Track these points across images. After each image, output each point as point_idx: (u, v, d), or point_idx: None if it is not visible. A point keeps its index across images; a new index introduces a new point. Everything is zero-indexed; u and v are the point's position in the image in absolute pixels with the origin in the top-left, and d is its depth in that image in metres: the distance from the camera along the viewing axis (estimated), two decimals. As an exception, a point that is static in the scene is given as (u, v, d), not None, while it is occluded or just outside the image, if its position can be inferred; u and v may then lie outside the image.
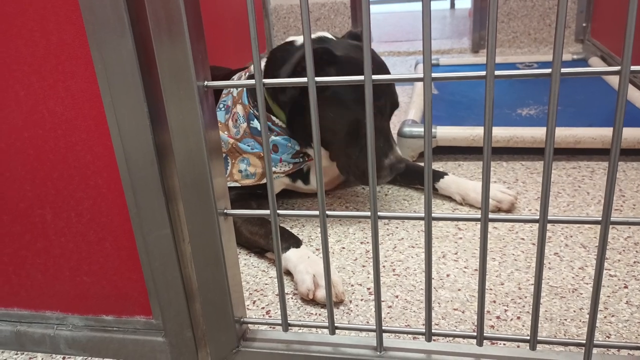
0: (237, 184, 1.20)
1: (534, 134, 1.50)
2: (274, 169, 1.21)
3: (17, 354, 0.91)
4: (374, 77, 0.58)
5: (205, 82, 0.64)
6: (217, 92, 1.28)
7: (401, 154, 1.23)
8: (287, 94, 1.15)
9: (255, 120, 1.20)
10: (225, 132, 1.22)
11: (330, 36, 1.23)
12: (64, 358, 0.89)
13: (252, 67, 1.30)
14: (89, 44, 0.65)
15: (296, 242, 1.07)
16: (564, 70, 0.54)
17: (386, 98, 1.19)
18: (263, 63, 1.29)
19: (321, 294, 0.96)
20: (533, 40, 2.94)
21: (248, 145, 1.20)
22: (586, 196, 1.31)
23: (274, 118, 1.20)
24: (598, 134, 1.47)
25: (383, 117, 1.21)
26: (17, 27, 0.68)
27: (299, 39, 1.23)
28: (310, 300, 0.98)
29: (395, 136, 1.63)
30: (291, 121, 1.20)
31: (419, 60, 2.66)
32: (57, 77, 0.70)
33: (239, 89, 1.23)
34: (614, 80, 1.95)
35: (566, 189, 1.35)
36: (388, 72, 1.24)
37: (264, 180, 1.21)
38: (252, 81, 0.62)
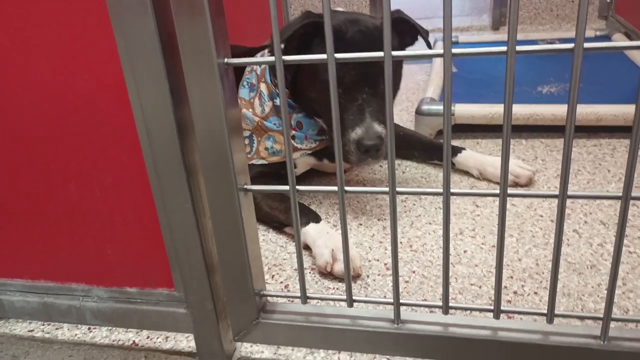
0: (263, 161, 1.21)
1: (555, 111, 1.48)
2: (300, 145, 1.22)
3: (44, 325, 0.94)
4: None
5: (226, 60, 0.64)
6: (238, 71, 1.29)
7: (381, 131, 1.08)
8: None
9: (279, 98, 1.20)
10: (250, 110, 1.23)
11: (340, 9, 1.23)
12: (89, 328, 0.92)
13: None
14: (112, 23, 0.66)
15: (315, 218, 1.09)
16: (586, 45, 0.53)
17: (359, 65, 1.08)
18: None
19: (339, 267, 0.97)
20: (555, 16, 2.88)
21: (273, 124, 1.21)
22: (607, 174, 1.30)
23: None
24: (620, 111, 1.44)
25: (358, 87, 1.09)
26: (40, 9, 0.69)
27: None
28: (327, 274, 1.00)
29: (413, 115, 1.63)
30: (292, 91, 1.21)
31: (437, 37, 2.63)
32: (80, 56, 0.71)
33: (262, 67, 1.23)
34: (637, 57, 1.91)
35: (586, 167, 1.34)
36: (376, 40, 1.10)
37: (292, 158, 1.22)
38: (273, 58, 0.62)
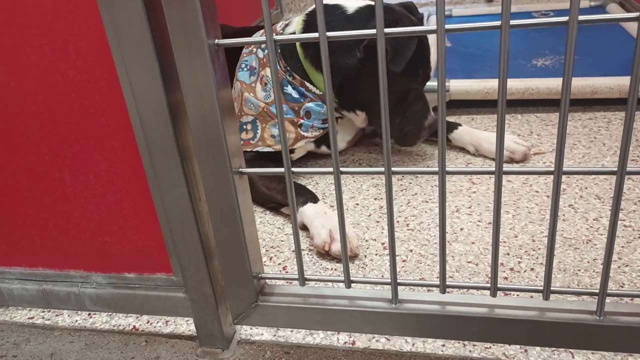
0: (269, 149, 1.20)
1: (550, 84, 1.47)
2: (305, 133, 1.22)
3: (44, 312, 0.94)
4: (387, 30, 0.57)
5: (216, 40, 0.63)
6: (230, 51, 1.27)
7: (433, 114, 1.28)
8: (345, 61, 1.17)
9: (289, 86, 1.20)
10: (252, 94, 1.21)
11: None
12: (89, 314, 0.92)
13: (278, 27, 1.28)
14: (98, 3, 0.64)
15: (313, 198, 1.08)
16: (581, 17, 0.52)
17: (428, 65, 1.24)
18: (293, 26, 1.26)
19: (336, 247, 0.97)
20: (549, -13, 2.84)
21: None
22: (602, 147, 1.30)
23: (308, 84, 1.20)
24: (615, 84, 1.44)
25: (423, 83, 1.25)
26: (25, -10, 0.68)
27: (345, 3, 1.21)
28: (325, 254, 1.00)
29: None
30: (341, 86, 1.20)
31: (431, 11, 2.60)
32: (67, 39, 0.70)
33: (266, 51, 1.22)
34: (632, 28, 1.89)
35: (582, 141, 1.34)
36: (427, 44, 1.23)
37: (296, 145, 1.23)
38: (264, 38, 0.61)
